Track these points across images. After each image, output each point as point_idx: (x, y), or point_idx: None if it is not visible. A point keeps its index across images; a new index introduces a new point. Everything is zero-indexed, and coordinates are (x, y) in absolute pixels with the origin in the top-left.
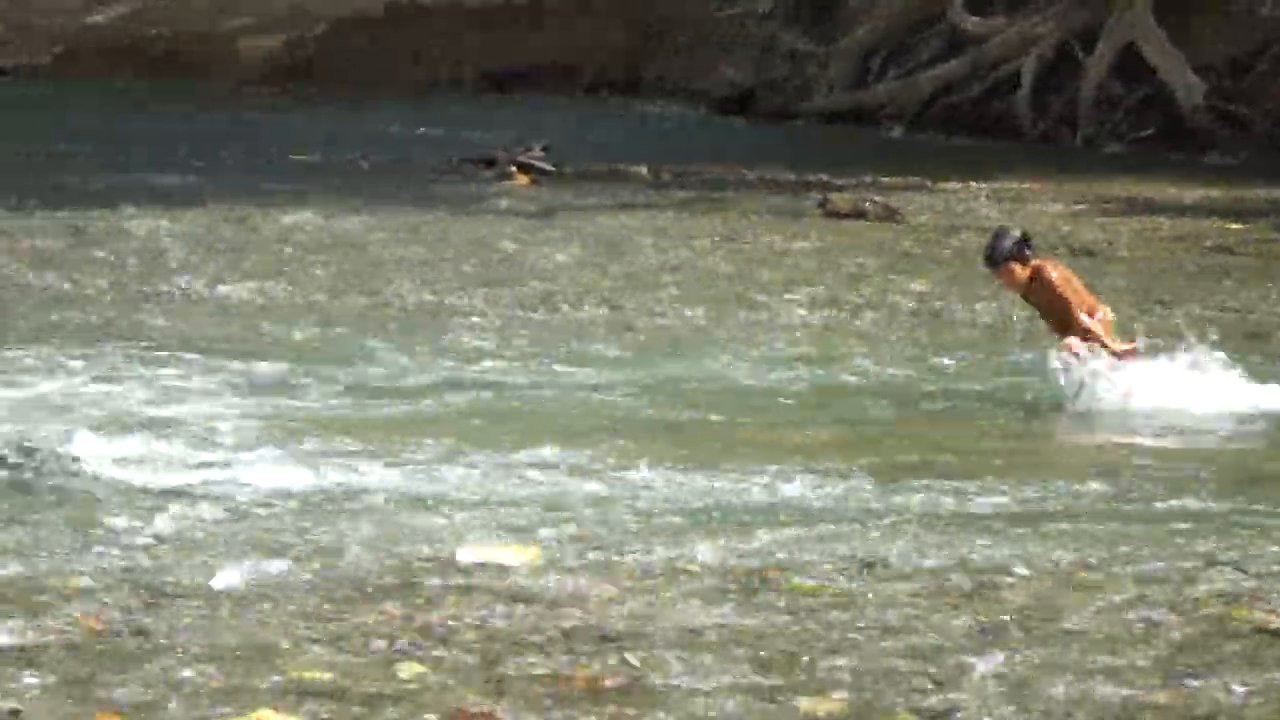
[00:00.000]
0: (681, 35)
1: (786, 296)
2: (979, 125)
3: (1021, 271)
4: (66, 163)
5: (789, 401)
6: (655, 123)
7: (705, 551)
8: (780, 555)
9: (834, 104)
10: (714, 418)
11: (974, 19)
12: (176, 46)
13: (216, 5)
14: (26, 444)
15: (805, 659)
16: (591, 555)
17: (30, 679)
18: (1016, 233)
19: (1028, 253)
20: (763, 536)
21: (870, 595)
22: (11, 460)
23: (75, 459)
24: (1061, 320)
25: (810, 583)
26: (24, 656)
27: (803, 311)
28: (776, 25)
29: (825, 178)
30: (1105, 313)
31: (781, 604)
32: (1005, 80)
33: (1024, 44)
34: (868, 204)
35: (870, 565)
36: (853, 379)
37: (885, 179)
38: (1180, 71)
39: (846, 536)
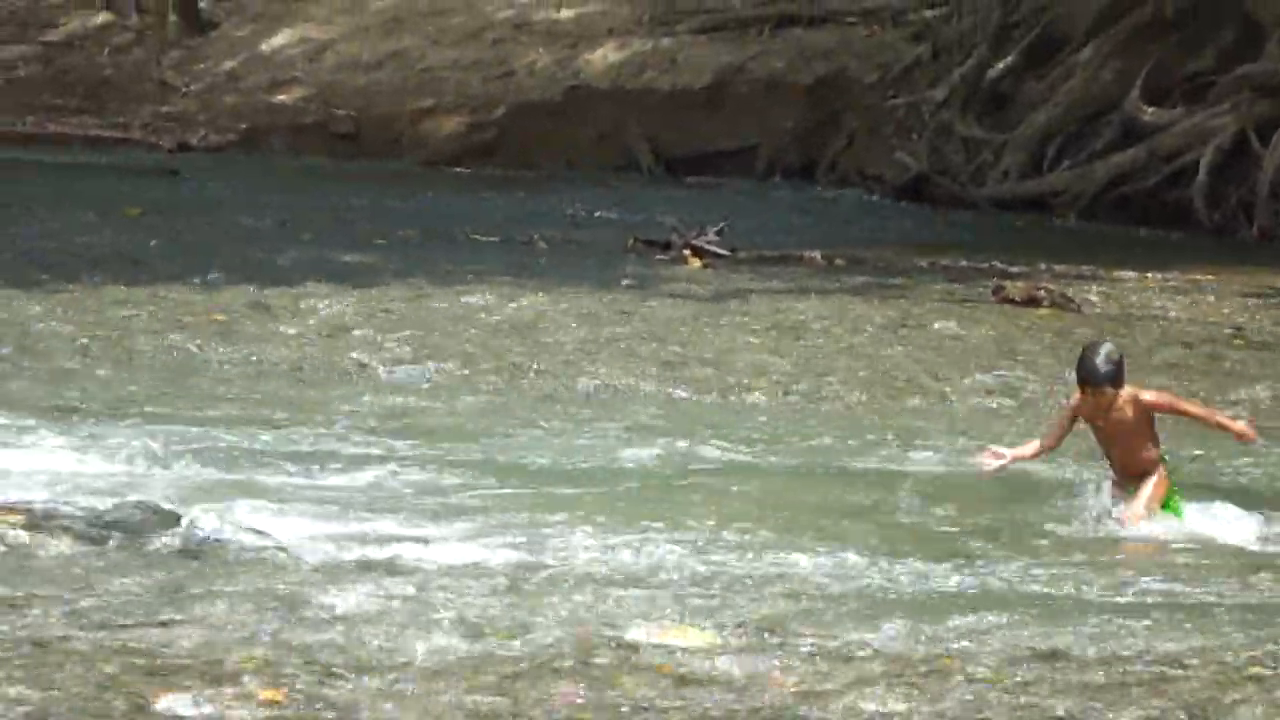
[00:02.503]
0: (857, 121)
1: (959, 384)
2: (1154, 215)
3: (1112, 394)
4: (251, 238)
5: (964, 490)
6: (829, 207)
7: (880, 637)
8: (957, 643)
9: (1008, 191)
10: (889, 504)
11: (1151, 109)
12: (361, 126)
13: (401, 86)
14: (208, 517)
15: None
16: (766, 638)
17: None
18: (1115, 351)
19: (1122, 379)
20: (940, 623)
21: (1046, 684)
22: (192, 533)
23: (256, 532)
24: (1133, 462)
25: (986, 671)
26: None
27: (975, 399)
28: (951, 113)
29: (999, 264)
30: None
31: (957, 692)
32: (1181, 170)
33: (1201, 135)
34: (1042, 291)
35: (1048, 655)
36: (1024, 469)
37: (1059, 267)
38: None
39: (1024, 624)
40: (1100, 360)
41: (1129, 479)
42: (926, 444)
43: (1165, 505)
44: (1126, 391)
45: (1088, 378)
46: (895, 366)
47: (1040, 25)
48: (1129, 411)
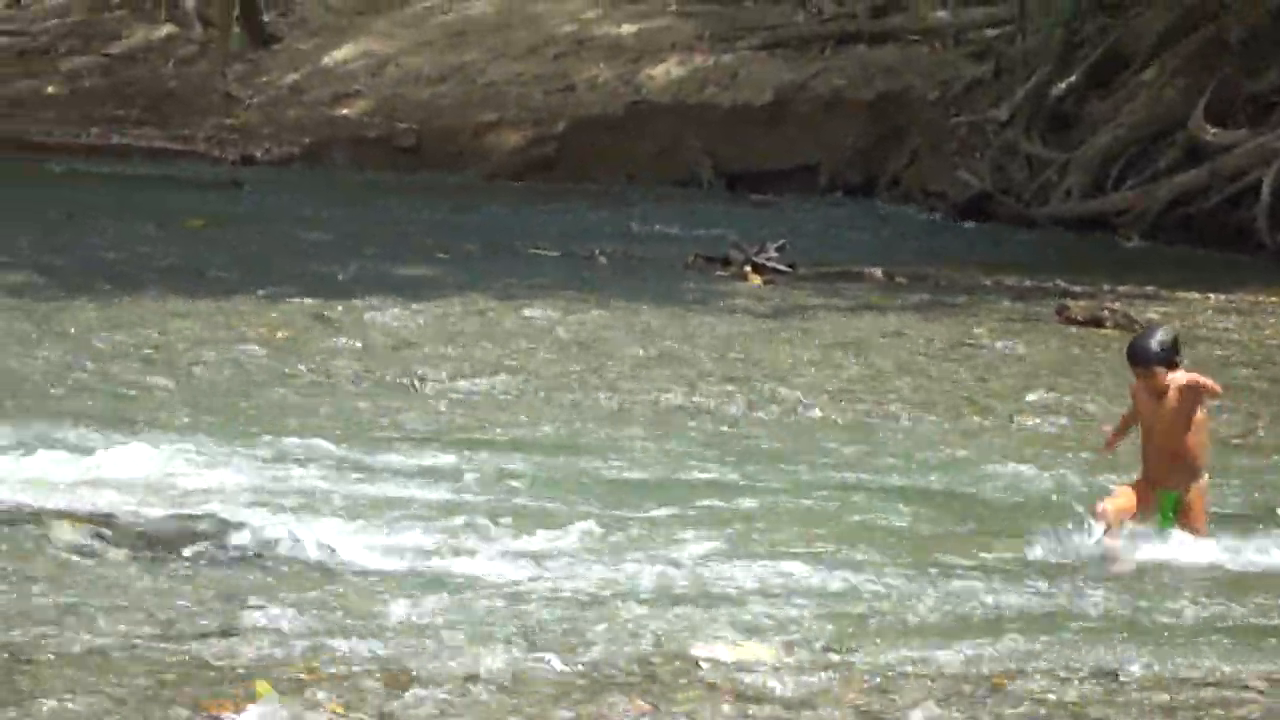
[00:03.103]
0: (919, 138)
1: (1021, 403)
2: (1216, 236)
3: (1163, 379)
4: (313, 251)
5: (1023, 510)
6: (891, 225)
7: (941, 656)
8: (1016, 662)
9: (1071, 210)
10: (949, 523)
11: (1214, 129)
12: (423, 140)
13: (463, 100)
14: (269, 527)
15: None
16: (827, 656)
17: None
18: (1167, 333)
19: (1177, 358)
20: (999, 643)
21: (1103, 705)
22: (261, 545)
23: (318, 543)
24: (1177, 451)
25: (1044, 691)
26: None
27: (1035, 420)
28: (1015, 131)
29: (1061, 284)
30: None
31: (1016, 711)
32: (1244, 191)
33: (1264, 155)
34: (1105, 311)
35: (1105, 675)
36: (1086, 489)
37: (1121, 287)
38: None
39: (1081, 644)
40: (1152, 341)
41: (1167, 470)
42: (987, 464)
43: (1163, 516)
44: (1179, 378)
45: (1135, 356)
46: (956, 385)
47: (1104, 45)
48: (1176, 399)
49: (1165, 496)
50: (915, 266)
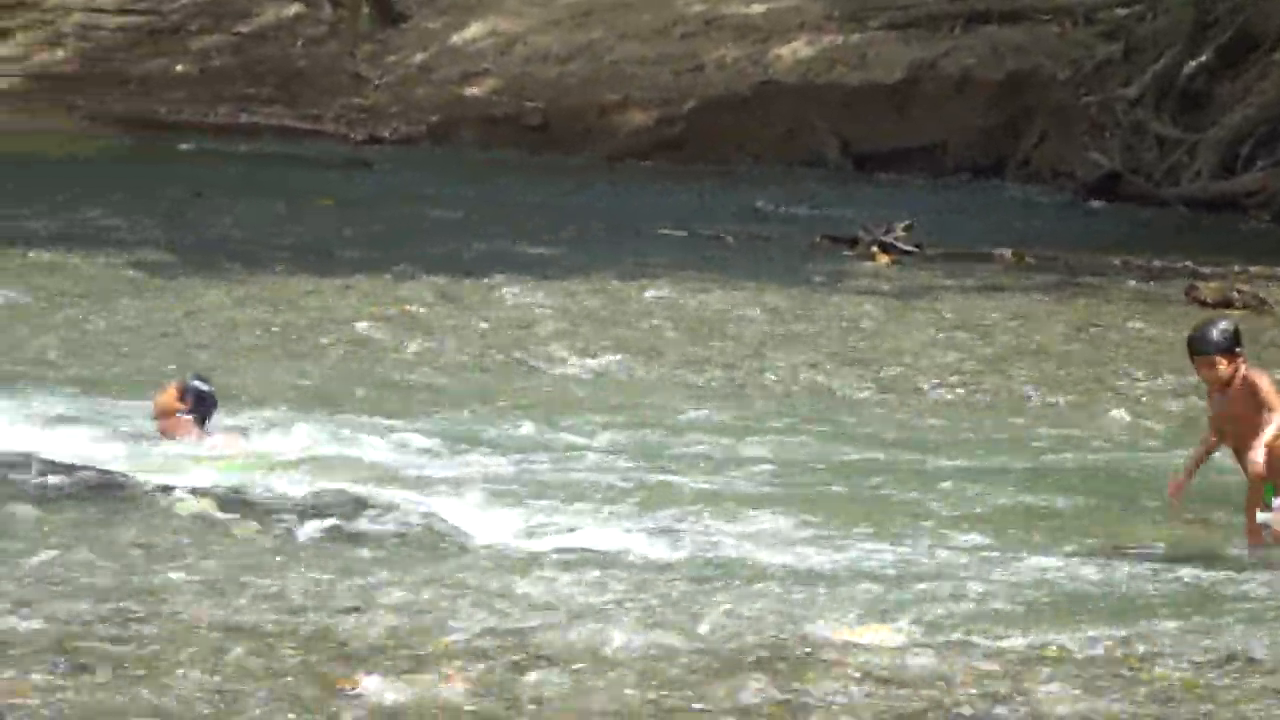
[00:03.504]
0: (1048, 118)
1: (1149, 385)
2: None
3: (1226, 369)
4: (440, 230)
5: (1154, 493)
6: (1019, 205)
7: (1068, 638)
8: (1147, 645)
9: (1201, 191)
10: (1078, 505)
11: None
12: (550, 119)
13: (591, 80)
14: (403, 507)
15: None
16: (955, 637)
17: None
18: (1227, 323)
19: (1238, 349)
20: (1130, 626)
21: (1232, 689)
22: (388, 522)
23: (451, 521)
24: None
25: (1175, 674)
26: (393, 714)
27: (1166, 401)
28: (1145, 111)
29: (1190, 265)
30: None
31: (1141, 694)
32: None
33: None
34: (1235, 293)
35: (1233, 658)
36: (1218, 480)
37: (1252, 268)
38: None
39: (1212, 628)
40: (1209, 330)
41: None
42: (1116, 445)
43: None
44: (1243, 370)
45: (1192, 345)
46: (1085, 367)
47: (1235, 25)
48: (1242, 392)
49: (1268, 490)
50: (1043, 247)
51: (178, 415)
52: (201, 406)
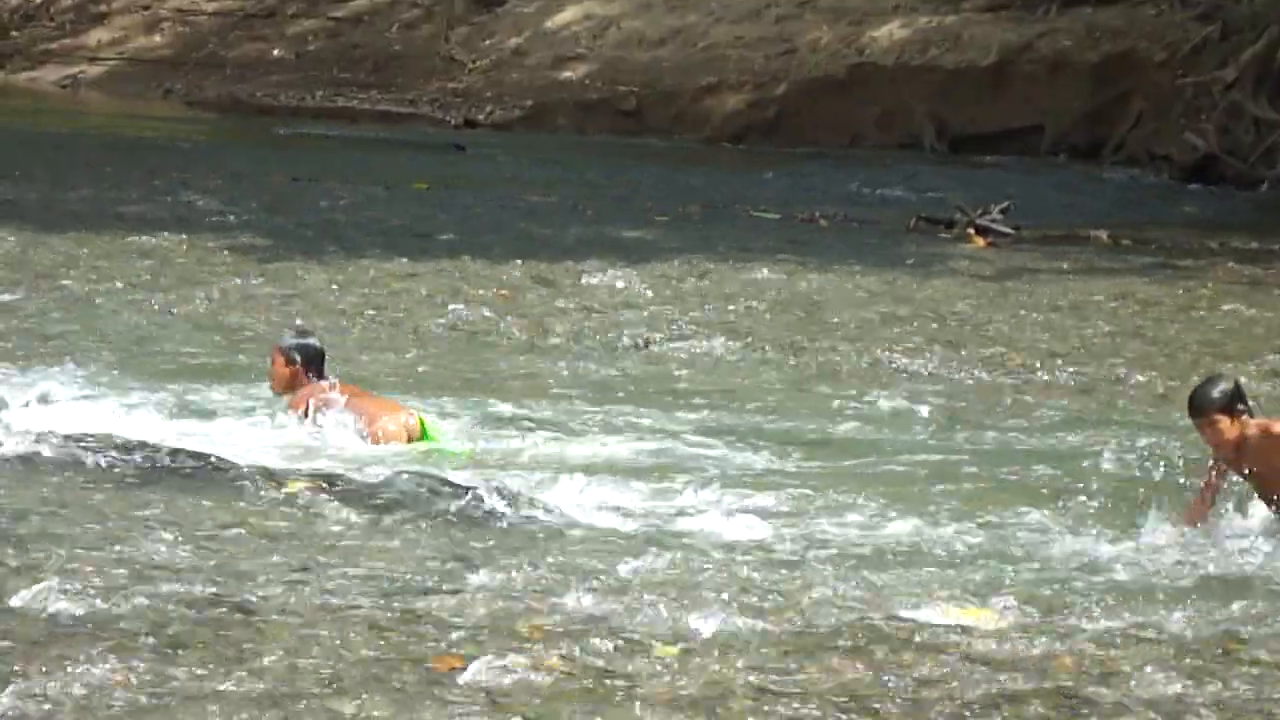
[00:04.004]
0: (1144, 101)
1: (1249, 367)
2: None
3: (1230, 428)
4: (534, 213)
5: None
6: (1115, 187)
7: (1168, 620)
8: (1245, 627)
9: None
10: (1176, 486)
11: None
12: (644, 103)
13: (684, 63)
14: (500, 489)
15: None
16: (1052, 619)
17: (495, 718)
18: (1228, 381)
19: (1240, 407)
20: (1227, 608)
21: None
22: (486, 505)
23: (542, 504)
24: None
25: (1271, 657)
26: (490, 695)
27: (1265, 383)
28: (1242, 93)
29: None
30: None
31: (1240, 677)
32: None
33: None
34: None
35: None
36: None
37: None
38: None
39: None
40: (1206, 388)
41: None
42: None
43: None
44: (1256, 423)
45: (1191, 404)
46: (1184, 348)
47: None
48: (1265, 446)
49: None
50: (1140, 229)
51: (298, 379)
52: (309, 359)
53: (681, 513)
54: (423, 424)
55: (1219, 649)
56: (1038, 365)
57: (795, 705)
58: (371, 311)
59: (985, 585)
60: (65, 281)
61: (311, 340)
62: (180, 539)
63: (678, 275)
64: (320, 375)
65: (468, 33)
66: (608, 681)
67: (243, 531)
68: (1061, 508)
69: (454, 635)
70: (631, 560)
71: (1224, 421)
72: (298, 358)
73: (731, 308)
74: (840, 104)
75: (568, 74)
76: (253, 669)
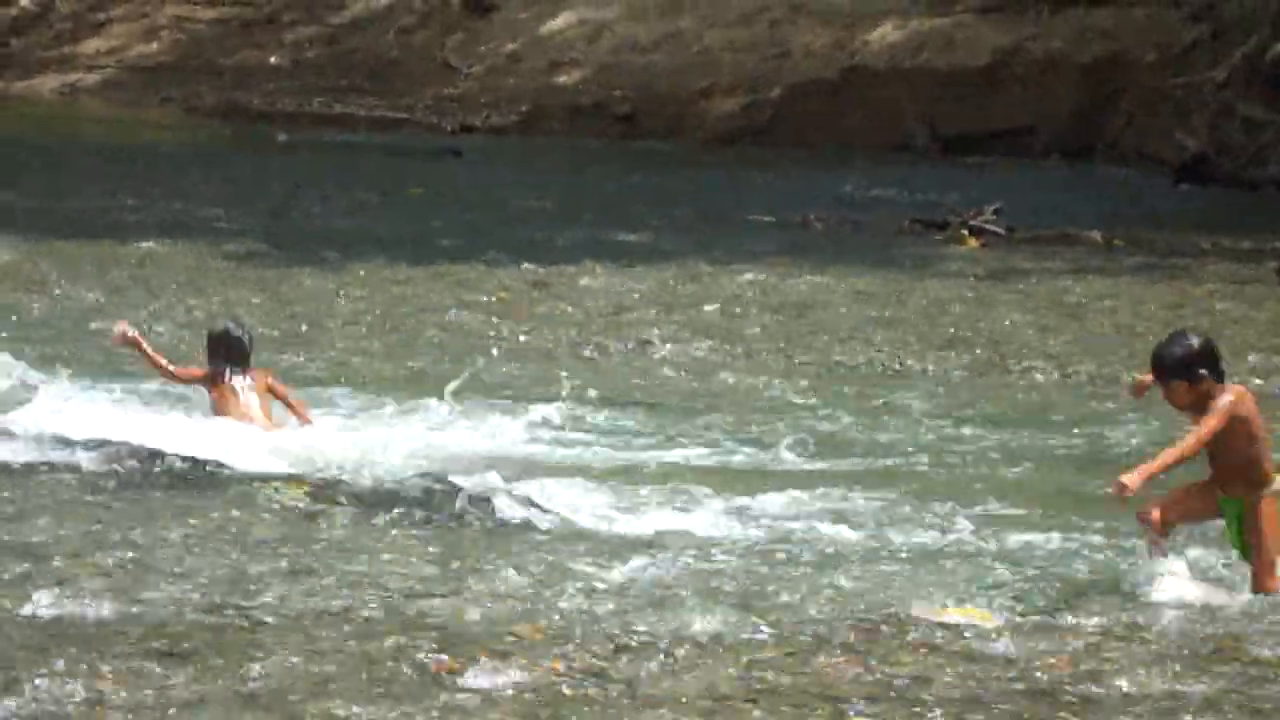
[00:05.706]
0: (1135, 101)
1: (1241, 366)
2: None
3: (1184, 394)
4: (531, 218)
5: None
6: (1107, 188)
7: (1159, 618)
8: (1237, 626)
9: None
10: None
11: None
12: (638, 107)
13: (678, 68)
14: (491, 492)
15: None
16: (1044, 618)
17: None
18: (1194, 341)
19: (1202, 372)
20: (1219, 607)
21: None
22: (477, 509)
23: (539, 507)
24: (1226, 471)
25: (1264, 654)
26: (488, 699)
27: (1257, 381)
28: (1233, 93)
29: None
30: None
31: (1232, 674)
32: None
33: None
34: None
35: None
36: None
37: None
38: None
39: None
40: (1166, 346)
41: (1225, 489)
42: None
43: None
44: (1223, 399)
45: (1151, 360)
46: None
47: None
48: (1224, 429)
49: (1226, 504)
50: (1132, 230)
51: (205, 375)
52: (218, 352)
53: (677, 515)
54: None
55: (1213, 648)
56: (1031, 366)
57: (795, 705)
58: (368, 316)
59: (979, 585)
60: (63, 288)
61: (221, 331)
62: (179, 543)
63: (673, 278)
64: (226, 370)
65: (463, 38)
66: (604, 683)
67: (241, 535)
68: (1055, 507)
69: (452, 638)
70: (629, 562)
71: (1180, 386)
72: (207, 351)
73: (726, 310)
74: (833, 107)
75: (562, 79)
76: (253, 672)
